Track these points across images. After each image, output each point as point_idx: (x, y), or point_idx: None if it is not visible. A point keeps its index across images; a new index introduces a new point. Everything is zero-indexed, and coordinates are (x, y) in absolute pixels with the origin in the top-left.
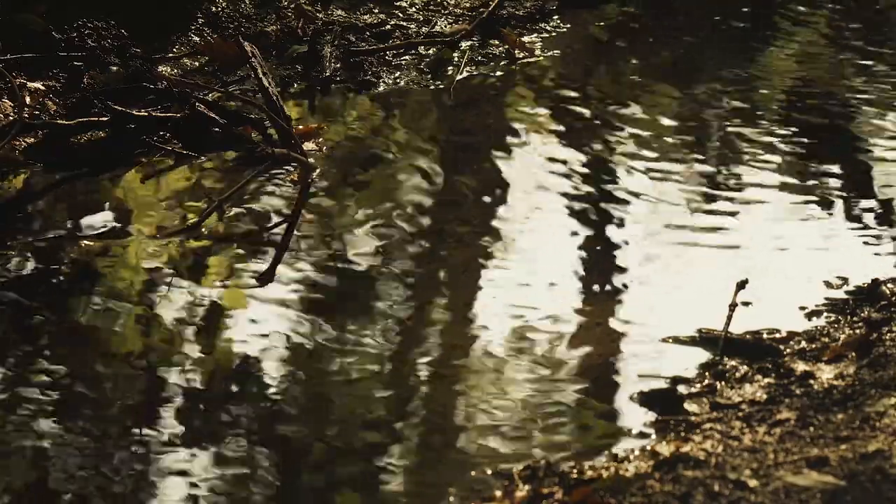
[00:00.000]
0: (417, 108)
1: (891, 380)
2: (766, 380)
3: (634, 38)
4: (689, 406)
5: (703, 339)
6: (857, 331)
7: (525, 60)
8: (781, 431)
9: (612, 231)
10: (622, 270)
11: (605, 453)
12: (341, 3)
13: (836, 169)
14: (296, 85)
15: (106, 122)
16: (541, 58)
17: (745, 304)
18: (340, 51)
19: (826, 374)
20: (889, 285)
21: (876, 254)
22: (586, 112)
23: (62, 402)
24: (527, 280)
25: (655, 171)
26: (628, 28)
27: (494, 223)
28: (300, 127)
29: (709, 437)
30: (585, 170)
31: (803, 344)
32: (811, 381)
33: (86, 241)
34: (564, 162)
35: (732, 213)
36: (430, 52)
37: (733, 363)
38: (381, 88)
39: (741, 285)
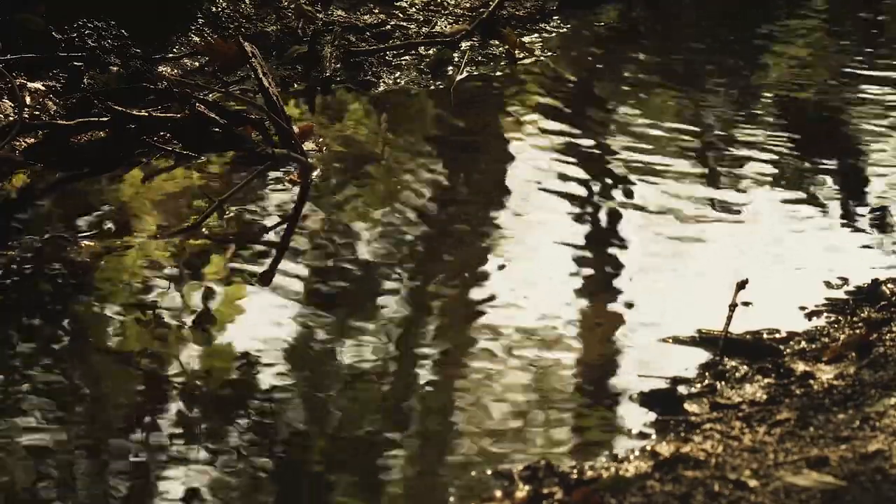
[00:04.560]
0: (417, 108)
1: (891, 380)
2: (766, 380)
3: (634, 39)
4: (689, 406)
5: (703, 339)
6: (857, 331)
7: (525, 60)
8: (781, 431)
9: (612, 231)
10: (622, 270)
11: (605, 453)
12: (341, 3)
13: (835, 169)
14: (296, 85)
15: (106, 122)
16: (541, 58)
17: (745, 304)
18: (340, 51)
19: (826, 374)
20: (889, 285)
21: (876, 254)
22: (586, 112)
23: (62, 402)
24: (527, 280)
25: (655, 170)
26: (628, 29)
27: (494, 223)
28: (299, 126)
29: (709, 437)
30: (585, 170)
31: (803, 344)
32: (811, 381)
33: (86, 241)
34: (564, 162)
35: (732, 213)
36: (430, 52)
37: (733, 363)
38: (381, 88)
39: (741, 285)
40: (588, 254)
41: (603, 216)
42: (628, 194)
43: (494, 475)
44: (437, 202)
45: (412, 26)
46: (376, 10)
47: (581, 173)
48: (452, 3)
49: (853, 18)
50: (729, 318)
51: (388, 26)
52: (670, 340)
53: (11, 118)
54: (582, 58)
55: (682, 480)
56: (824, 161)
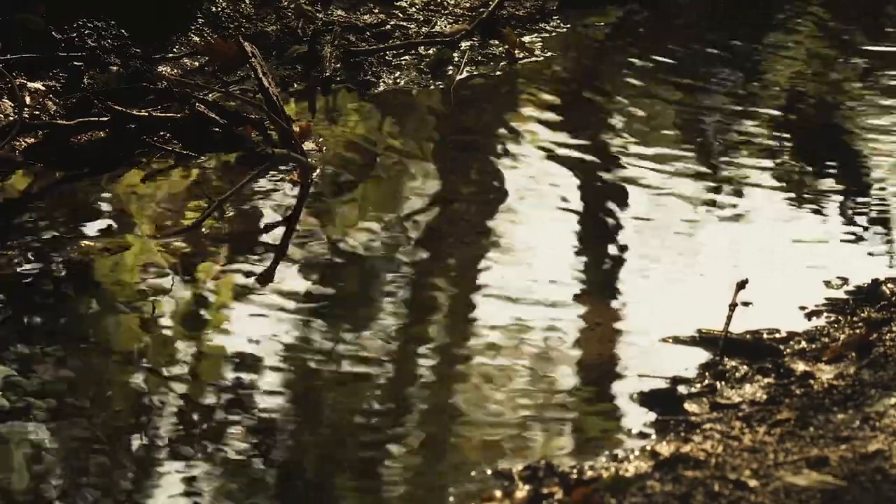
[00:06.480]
0: (417, 108)
1: (891, 380)
2: (766, 380)
3: (634, 39)
4: (689, 406)
5: (703, 339)
6: (857, 331)
7: (525, 60)
8: (781, 431)
9: (611, 231)
10: (622, 270)
11: (605, 453)
12: (341, 3)
13: (835, 169)
14: (296, 85)
15: (106, 122)
16: (541, 58)
17: (745, 304)
18: (340, 51)
19: (826, 374)
20: (889, 285)
21: (876, 254)
22: (585, 113)
23: (61, 402)
24: (527, 280)
25: (655, 171)
26: (628, 28)
27: (494, 223)
28: (299, 126)
29: (709, 437)
30: (585, 170)
31: (803, 344)
32: (811, 381)
33: (86, 241)
34: (564, 162)
35: (732, 213)
36: (430, 52)
37: (733, 363)
38: (381, 88)
39: (741, 285)
40: (588, 253)
41: (602, 216)
42: (628, 194)
43: (494, 475)
44: (437, 202)
45: (412, 26)
46: (376, 10)
47: (580, 173)
48: (452, 3)
49: (855, 17)
50: (729, 318)
51: (388, 26)
52: (670, 340)
53: (11, 118)
54: (582, 58)
55: (682, 480)
56: (824, 161)
